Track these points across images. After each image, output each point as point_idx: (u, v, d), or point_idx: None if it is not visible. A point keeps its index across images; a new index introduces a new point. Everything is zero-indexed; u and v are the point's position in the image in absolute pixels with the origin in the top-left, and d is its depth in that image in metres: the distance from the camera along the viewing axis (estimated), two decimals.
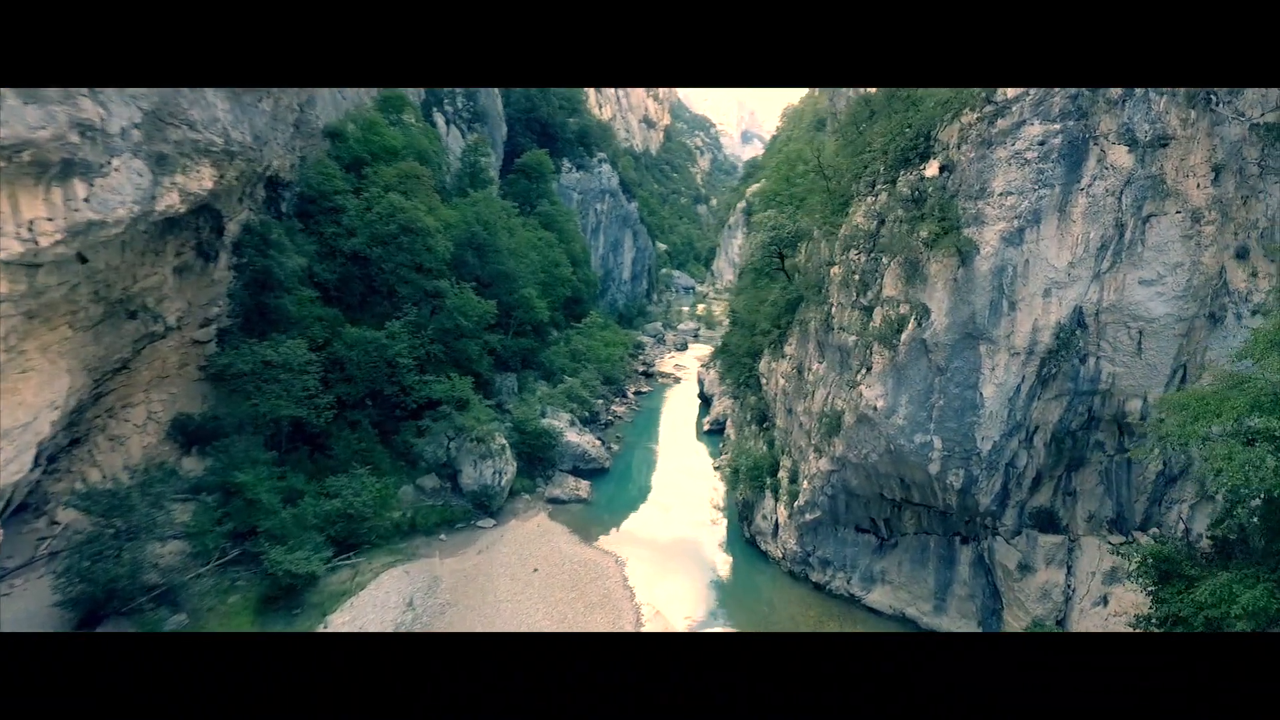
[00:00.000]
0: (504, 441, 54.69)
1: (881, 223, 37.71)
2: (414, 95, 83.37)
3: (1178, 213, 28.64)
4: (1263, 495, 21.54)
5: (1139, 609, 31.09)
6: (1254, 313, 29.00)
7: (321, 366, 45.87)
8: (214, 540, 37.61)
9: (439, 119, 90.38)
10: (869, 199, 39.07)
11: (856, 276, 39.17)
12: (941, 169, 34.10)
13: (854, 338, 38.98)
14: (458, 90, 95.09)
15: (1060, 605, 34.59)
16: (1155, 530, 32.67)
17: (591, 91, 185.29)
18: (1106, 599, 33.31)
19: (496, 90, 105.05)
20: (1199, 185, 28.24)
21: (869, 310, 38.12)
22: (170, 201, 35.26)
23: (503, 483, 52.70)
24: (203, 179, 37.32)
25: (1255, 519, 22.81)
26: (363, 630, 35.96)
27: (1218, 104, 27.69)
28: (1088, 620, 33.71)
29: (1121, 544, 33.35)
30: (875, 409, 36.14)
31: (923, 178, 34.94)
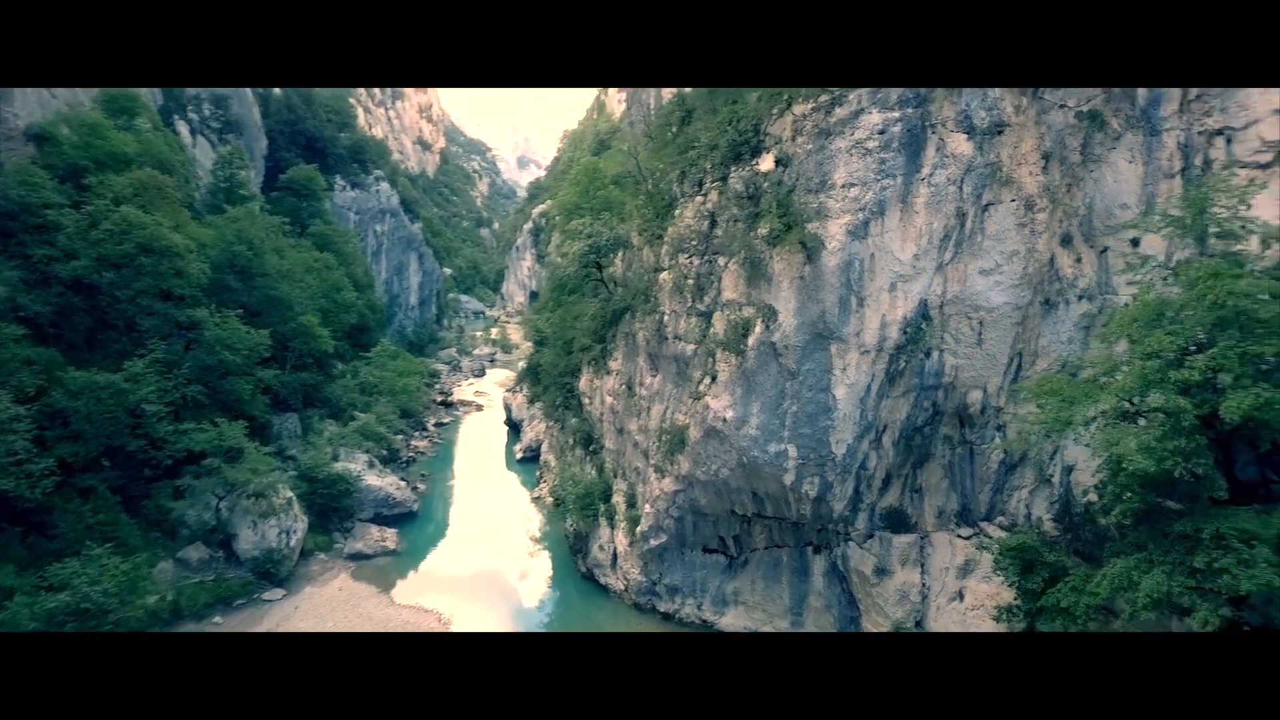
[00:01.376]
0: (289, 494, 46.67)
1: (714, 223, 35.54)
2: (149, 97, 71.03)
3: (1013, 200, 28.75)
4: (1141, 477, 21.08)
5: (996, 600, 31.02)
6: (1080, 298, 29.80)
7: (34, 423, 36.10)
8: None
9: (183, 127, 78.14)
10: (698, 199, 36.80)
11: (690, 281, 36.67)
12: (777, 162, 32.44)
13: (693, 346, 36.40)
14: (203, 94, 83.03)
15: (918, 605, 33.88)
16: (1001, 519, 32.86)
17: (360, 109, 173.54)
18: (962, 593, 32.96)
19: (252, 97, 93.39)
20: (1031, 173, 28.52)
21: (707, 316, 35.72)
22: None
23: (291, 543, 44.60)
24: None
25: (1136, 502, 22.45)
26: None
27: (1044, 91, 28.12)
28: (945, 617, 33.21)
29: (971, 536, 33.34)
30: (725, 420, 33.63)
31: (756, 173, 33.11)
